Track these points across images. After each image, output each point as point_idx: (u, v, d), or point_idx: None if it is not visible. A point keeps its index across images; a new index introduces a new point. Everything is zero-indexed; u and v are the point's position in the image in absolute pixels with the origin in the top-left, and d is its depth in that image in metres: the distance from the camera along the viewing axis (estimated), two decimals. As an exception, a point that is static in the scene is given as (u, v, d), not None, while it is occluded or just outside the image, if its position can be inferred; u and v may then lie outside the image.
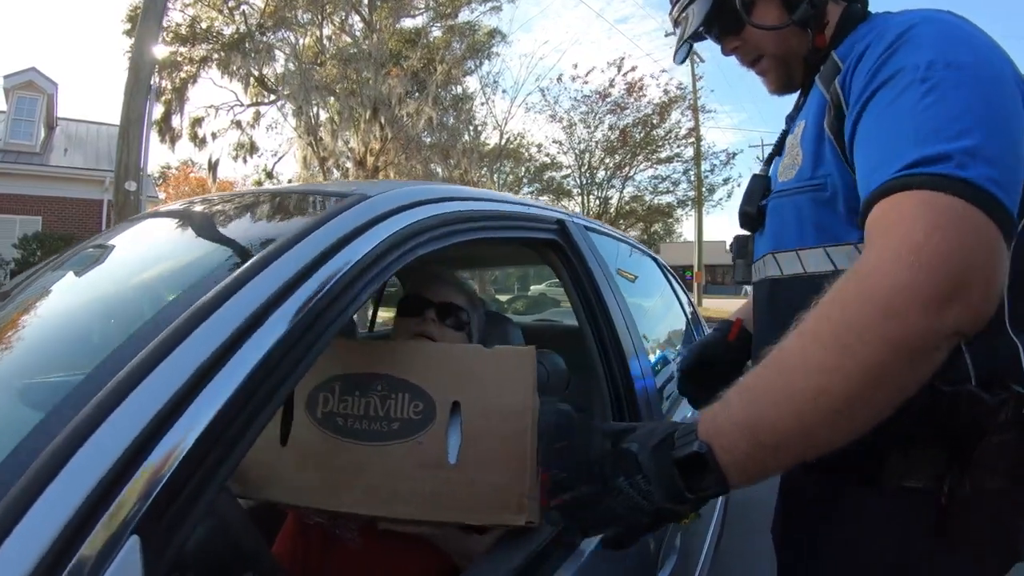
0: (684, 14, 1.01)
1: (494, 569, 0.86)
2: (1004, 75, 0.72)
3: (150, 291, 0.80)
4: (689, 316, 2.83)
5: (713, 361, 1.26)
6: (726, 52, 1.02)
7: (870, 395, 0.60)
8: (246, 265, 0.67)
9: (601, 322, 1.35)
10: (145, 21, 7.84)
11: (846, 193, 0.81)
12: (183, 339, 0.56)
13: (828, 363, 0.61)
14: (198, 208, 1.14)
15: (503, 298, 14.78)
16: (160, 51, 8.32)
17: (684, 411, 1.75)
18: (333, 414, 0.94)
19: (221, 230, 1.01)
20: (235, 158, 17.24)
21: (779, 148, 1.02)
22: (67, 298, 0.96)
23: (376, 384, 0.93)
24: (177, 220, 1.14)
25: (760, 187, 1.01)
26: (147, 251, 1.01)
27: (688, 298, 3.05)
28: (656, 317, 2.27)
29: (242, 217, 1.06)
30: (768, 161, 1.07)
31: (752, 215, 1.01)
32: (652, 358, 1.80)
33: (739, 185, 22.60)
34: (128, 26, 13.72)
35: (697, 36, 1.02)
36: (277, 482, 0.92)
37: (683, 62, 1.13)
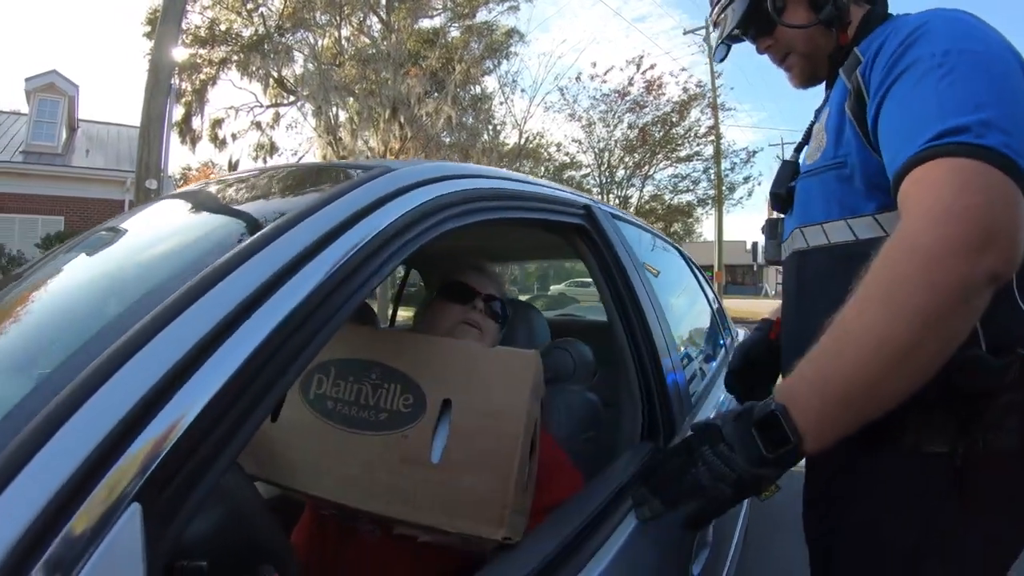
0: (723, 15, 1.12)
1: (519, 566, 0.80)
2: (1010, 60, 0.80)
3: (165, 262, 0.76)
4: (715, 310, 2.76)
5: (757, 360, 1.31)
6: (760, 50, 1.12)
7: (924, 339, 0.68)
8: (263, 231, 0.64)
9: (631, 312, 1.30)
10: (164, 23, 7.91)
11: (863, 169, 0.89)
12: (193, 303, 0.53)
13: (885, 314, 0.70)
14: (216, 187, 1.11)
15: (523, 298, 14.76)
16: (180, 53, 8.36)
17: (707, 412, 1.68)
18: (324, 396, 0.92)
19: (241, 205, 0.98)
20: (255, 159, 17.35)
21: (807, 137, 1.12)
22: (85, 269, 0.93)
23: (371, 372, 0.91)
24: (195, 198, 1.10)
25: (789, 171, 1.12)
26: (163, 227, 0.97)
27: (713, 292, 2.98)
28: (682, 311, 2.21)
29: (264, 191, 1.03)
30: (798, 149, 1.18)
31: (782, 196, 1.12)
32: (685, 354, 1.74)
33: (759, 184, 22.39)
34: (148, 28, 13.87)
35: (734, 37, 1.14)
36: (261, 458, 0.90)
37: (722, 60, 1.25)
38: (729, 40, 1.14)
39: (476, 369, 0.89)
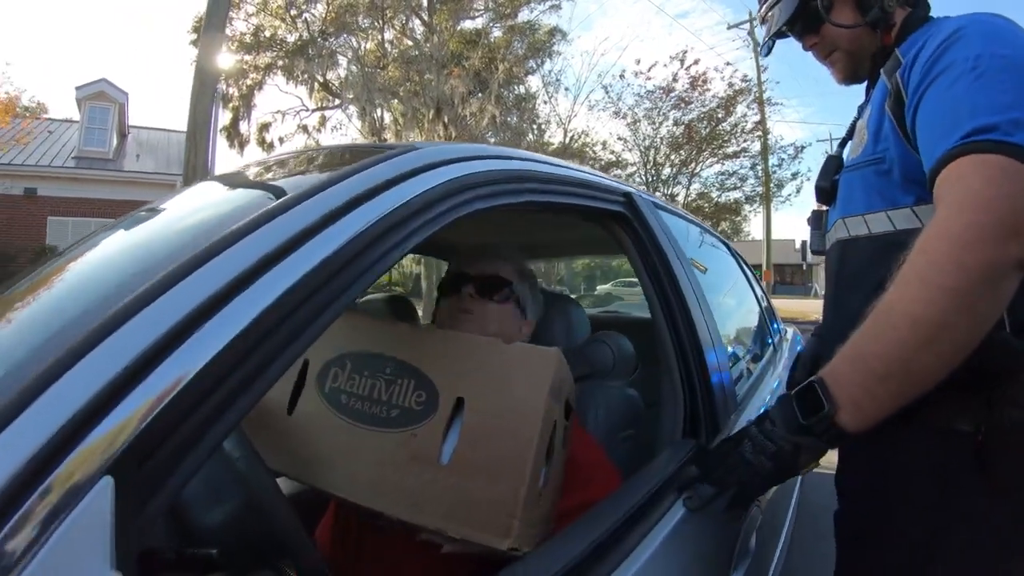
0: (771, 13, 1.17)
1: (542, 570, 0.75)
2: None
3: (180, 235, 0.74)
4: (763, 308, 2.65)
5: (819, 362, 1.22)
6: (806, 47, 1.16)
7: (955, 319, 0.72)
8: (281, 200, 0.62)
9: (674, 303, 1.24)
10: (208, 30, 8.08)
11: (901, 164, 0.94)
12: (196, 269, 0.52)
13: (920, 295, 0.74)
14: (250, 167, 1.10)
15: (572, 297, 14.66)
16: (225, 59, 8.54)
17: (754, 410, 1.60)
18: (339, 390, 0.90)
19: (265, 183, 0.96)
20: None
21: (850, 133, 1.17)
22: (100, 249, 0.91)
23: (385, 366, 0.88)
24: (228, 179, 1.09)
25: (833, 165, 1.18)
26: (192, 204, 0.96)
27: (762, 289, 2.87)
28: (729, 307, 2.12)
29: (291, 170, 1.00)
30: (841, 144, 1.23)
31: (826, 189, 1.17)
32: (731, 350, 1.67)
33: (808, 179, 21.73)
34: (194, 36, 14.23)
35: (780, 34, 1.17)
36: (277, 450, 0.88)
37: (768, 54, 1.28)
38: (776, 36, 1.18)
39: (492, 366, 0.84)
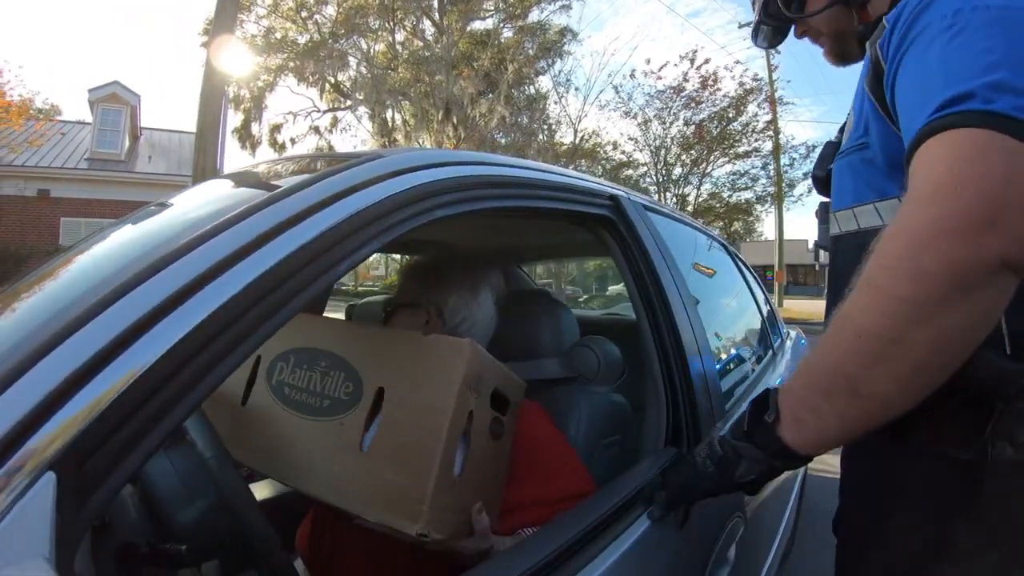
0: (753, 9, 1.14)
1: (504, 571, 0.76)
2: None
3: (137, 246, 0.75)
4: (765, 315, 2.60)
5: None
6: (797, 36, 1.11)
7: (912, 335, 0.60)
8: (237, 211, 0.63)
9: (658, 310, 1.22)
10: (216, 32, 8.15)
11: (883, 148, 0.82)
12: (151, 276, 0.54)
13: (867, 303, 0.63)
14: (219, 180, 1.10)
15: (582, 298, 14.72)
16: (237, 62, 8.61)
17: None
18: (283, 383, 0.96)
19: (238, 192, 0.97)
20: (313, 159, 17.75)
21: None
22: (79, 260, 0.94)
23: (322, 360, 0.94)
24: (194, 193, 1.09)
25: (831, 152, 1.04)
26: (166, 213, 0.98)
27: (764, 294, 2.82)
28: (723, 311, 2.09)
29: (266, 178, 1.01)
30: (841, 129, 1.09)
31: (821, 178, 1.07)
32: (722, 357, 1.64)
33: (821, 179, 21.55)
34: (204, 38, 14.34)
35: (772, 26, 1.13)
36: (235, 441, 0.94)
37: (764, 46, 1.23)
38: (764, 24, 1.14)
39: (410, 358, 0.87)
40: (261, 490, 1.51)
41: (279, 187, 0.69)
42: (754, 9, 1.15)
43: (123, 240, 0.81)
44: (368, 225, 0.67)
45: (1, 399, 0.44)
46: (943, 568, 0.76)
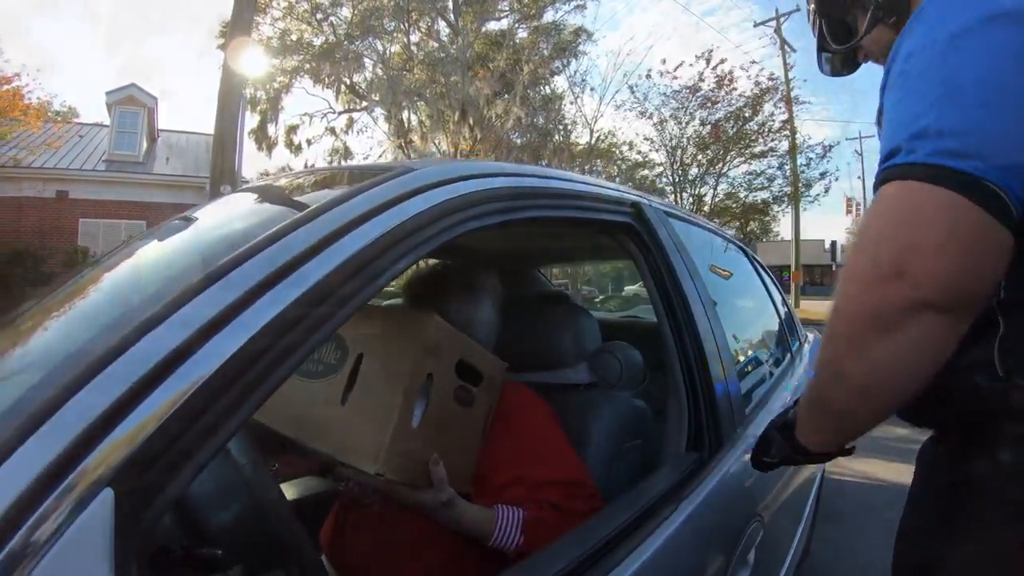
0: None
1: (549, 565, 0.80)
2: (996, 35, 0.63)
3: (182, 258, 0.79)
4: (783, 317, 2.60)
5: None
6: (860, 61, 1.04)
7: (851, 367, 0.67)
8: (275, 228, 0.65)
9: (680, 315, 1.24)
10: (233, 34, 8.22)
11: None
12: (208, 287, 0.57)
13: (826, 334, 0.71)
14: (246, 193, 1.14)
15: (598, 298, 14.69)
16: (255, 64, 8.68)
17: (759, 427, 1.58)
18: None
19: (275, 204, 1.04)
20: (330, 163, 17.88)
21: None
22: (116, 272, 0.97)
23: None
24: (225, 205, 1.15)
25: None
26: (199, 226, 1.03)
27: (782, 296, 2.82)
28: (743, 316, 2.10)
29: (294, 192, 1.07)
30: None
31: None
32: (740, 360, 1.65)
33: (836, 179, 21.34)
34: (222, 40, 14.46)
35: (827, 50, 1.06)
36: None
37: (828, 73, 1.14)
38: (826, 54, 1.08)
39: (383, 328, 1.02)
40: (288, 492, 1.54)
41: (310, 204, 0.72)
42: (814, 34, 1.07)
43: (159, 255, 0.84)
44: (404, 239, 0.70)
45: (57, 416, 0.45)
46: None
